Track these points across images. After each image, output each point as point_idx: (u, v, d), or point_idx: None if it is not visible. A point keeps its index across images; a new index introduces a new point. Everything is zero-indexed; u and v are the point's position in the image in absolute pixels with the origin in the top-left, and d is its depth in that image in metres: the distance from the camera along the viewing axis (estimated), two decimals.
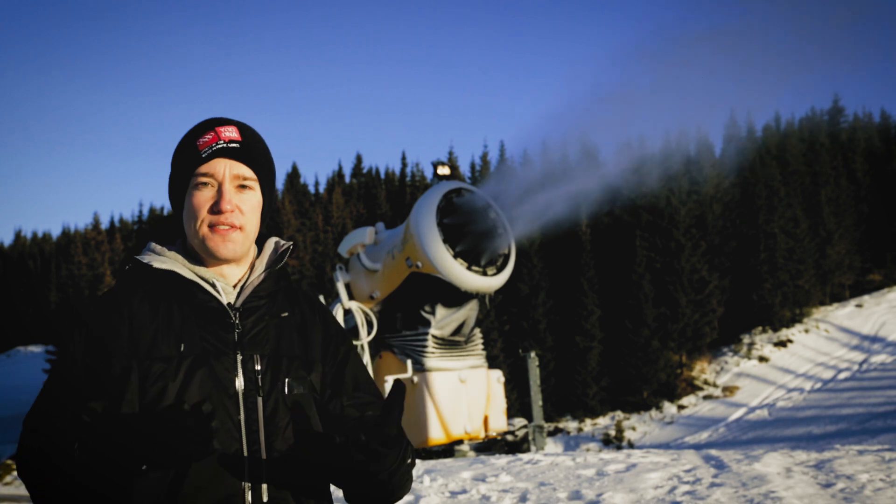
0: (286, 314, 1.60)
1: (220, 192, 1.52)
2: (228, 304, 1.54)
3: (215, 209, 1.51)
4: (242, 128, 1.58)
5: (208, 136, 1.54)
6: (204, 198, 1.52)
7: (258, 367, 1.50)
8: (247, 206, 1.54)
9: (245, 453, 1.45)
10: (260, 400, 1.49)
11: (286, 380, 1.53)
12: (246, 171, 1.54)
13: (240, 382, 1.48)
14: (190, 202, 1.52)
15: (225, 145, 1.53)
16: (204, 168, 1.52)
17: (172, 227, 1.62)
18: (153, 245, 1.58)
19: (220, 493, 1.42)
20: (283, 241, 1.65)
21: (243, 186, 1.54)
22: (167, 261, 1.53)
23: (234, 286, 1.57)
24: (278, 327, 1.58)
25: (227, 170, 1.52)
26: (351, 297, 13.30)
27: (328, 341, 1.66)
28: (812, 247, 36.19)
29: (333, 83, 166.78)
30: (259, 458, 1.46)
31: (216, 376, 1.47)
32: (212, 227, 1.51)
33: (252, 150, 1.56)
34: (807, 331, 33.69)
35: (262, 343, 1.53)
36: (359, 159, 55.82)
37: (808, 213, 37.14)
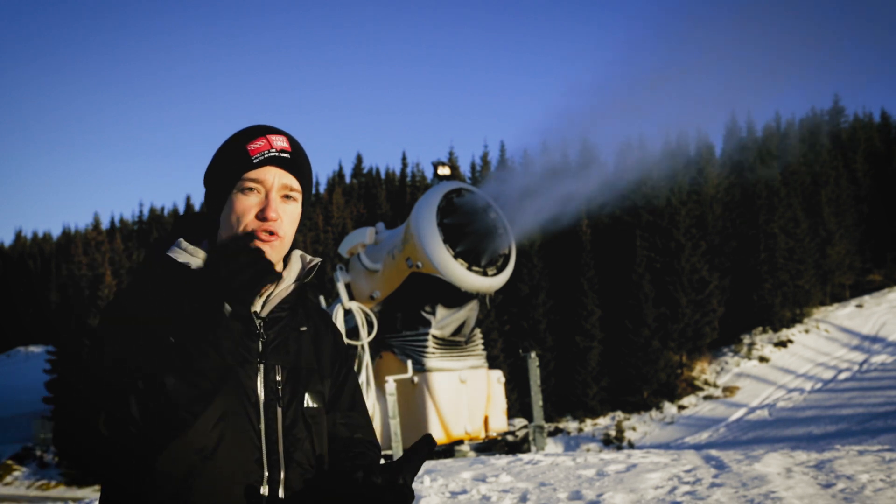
0: (304, 328, 1.62)
1: (267, 199, 1.51)
2: (254, 312, 1.53)
3: (261, 216, 1.50)
4: (291, 139, 1.58)
5: (260, 143, 1.53)
6: (250, 203, 1.50)
7: (279, 378, 1.51)
8: (288, 217, 1.54)
9: (265, 462, 1.46)
10: (280, 410, 1.49)
11: (305, 393, 1.55)
12: (294, 183, 1.54)
13: (261, 391, 1.49)
14: (234, 206, 1.51)
15: (276, 154, 1.52)
16: (253, 174, 1.51)
17: (200, 225, 1.60)
18: (184, 244, 1.55)
19: (239, 499, 1.43)
20: (309, 257, 1.65)
21: (288, 197, 1.54)
22: (199, 262, 1.52)
23: (260, 296, 1.56)
24: (297, 340, 1.59)
25: (277, 179, 1.52)
26: (351, 298, 13.30)
27: (336, 358, 1.68)
28: (812, 247, 36.20)
29: (333, 83, 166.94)
30: (278, 467, 1.47)
31: (239, 383, 1.46)
32: (253, 232, 1.50)
33: (300, 162, 1.57)
34: (807, 331, 33.70)
35: (283, 354, 1.54)
36: (359, 159, 55.97)
37: (808, 213, 37.15)
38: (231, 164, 1.53)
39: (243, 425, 1.45)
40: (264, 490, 1.44)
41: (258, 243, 1.50)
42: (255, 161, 1.51)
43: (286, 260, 1.64)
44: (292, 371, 1.54)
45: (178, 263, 1.51)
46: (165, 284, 1.49)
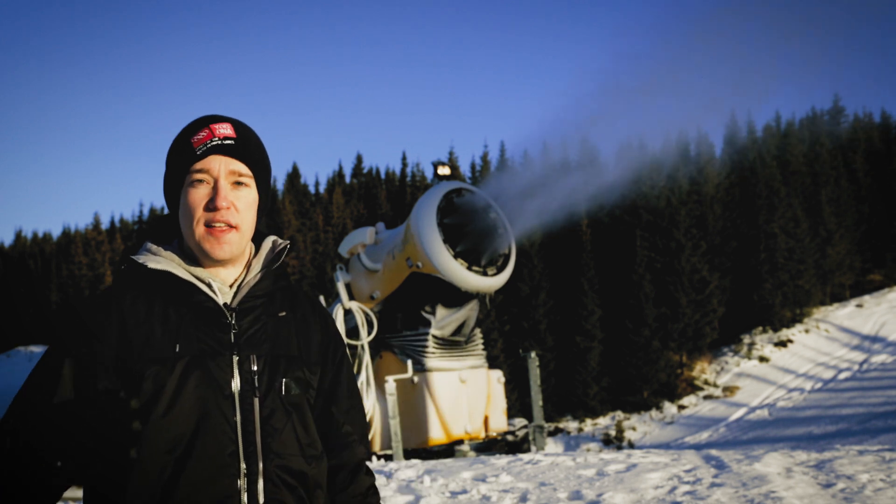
0: (284, 314, 1.60)
1: (215, 188, 1.51)
2: (225, 304, 1.53)
3: (211, 206, 1.50)
4: (237, 124, 1.57)
5: (203, 134, 1.53)
6: (199, 195, 1.51)
7: (255, 368, 1.50)
8: (242, 204, 1.53)
9: (241, 454, 1.44)
10: (257, 401, 1.48)
11: (283, 380, 1.53)
12: (241, 168, 1.53)
13: (236, 383, 1.47)
14: (185, 200, 1.51)
15: (220, 142, 1.52)
16: (199, 165, 1.51)
17: (169, 226, 1.61)
18: (149, 245, 1.56)
19: (216, 494, 1.42)
20: (280, 240, 1.64)
21: (239, 183, 1.53)
22: (162, 261, 1.52)
23: (231, 286, 1.56)
24: (276, 327, 1.57)
25: (223, 166, 1.51)
26: (351, 298, 13.30)
27: (328, 344, 1.66)
28: (812, 247, 36.19)
29: (333, 83, 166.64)
30: (255, 459, 1.45)
31: (212, 377, 1.46)
32: (208, 226, 1.50)
33: (247, 147, 1.56)
34: (807, 331, 33.69)
35: (258, 343, 1.53)
36: (359, 159, 55.79)
37: (808, 213, 37.14)
38: (178, 161, 1.53)
39: (217, 420, 1.44)
40: (241, 482, 1.43)
41: (211, 240, 1.50)
42: (198, 153, 1.51)
43: (258, 246, 1.63)
44: (269, 359, 1.52)
45: (137, 264, 1.52)
46: (126, 285, 1.52)
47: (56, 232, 78.93)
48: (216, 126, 1.54)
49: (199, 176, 1.51)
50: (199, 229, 1.50)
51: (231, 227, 1.51)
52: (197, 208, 1.50)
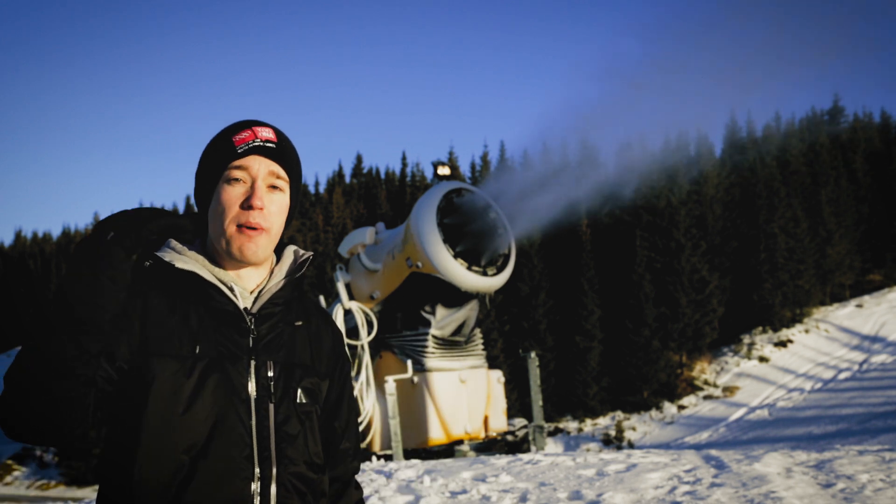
0: (300, 323, 1.61)
1: (253, 188, 1.51)
2: (245, 308, 1.53)
3: (246, 205, 1.50)
4: (278, 131, 1.58)
5: (245, 134, 1.53)
6: (235, 193, 1.50)
7: (271, 374, 1.51)
8: (275, 207, 1.53)
9: (255, 458, 1.46)
10: (272, 406, 1.49)
11: (298, 388, 1.54)
12: (280, 171, 1.54)
13: (252, 388, 1.48)
14: (220, 196, 1.51)
15: (262, 143, 1.53)
16: (238, 162, 1.51)
17: (192, 225, 1.59)
18: (173, 243, 1.55)
19: (230, 496, 1.43)
20: (302, 251, 1.64)
21: (274, 187, 1.54)
22: (188, 261, 1.52)
23: (252, 291, 1.57)
24: (292, 336, 1.58)
25: (262, 167, 1.52)
26: (351, 298, 13.30)
27: (336, 359, 1.68)
28: (812, 247, 36.19)
29: (333, 83, 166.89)
30: (269, 463, 1.47)
31: (230, 380, 1.47)
32: (239, 226, 1.50)
33: (286, 153, 1.57)
34: (807, 331, 33.68)
35: (276, 350, 1.54)
36: (359, 159, 55.80)
37: (808, 213, 37.14)
38: (217, 157, 1.53)
39: (233, 422, 1.45)
40: (255, 486, 1.45)
41: (241, 239, 1.50)
42: (239, 151, 1.51)
43: (279, 255, 1.63)
44: (285, 367, 1.53)
45: (163, 262, 1.51)
46: (148, 281, 1.51)
47: (56, 232, 79.02)
48: (259, 129, 1.55)
49: (237, 174, 1.51)
50: (231, 228, 1.50)
51: (262, 229, 1.51)
52: (232, 206, 1.50)
